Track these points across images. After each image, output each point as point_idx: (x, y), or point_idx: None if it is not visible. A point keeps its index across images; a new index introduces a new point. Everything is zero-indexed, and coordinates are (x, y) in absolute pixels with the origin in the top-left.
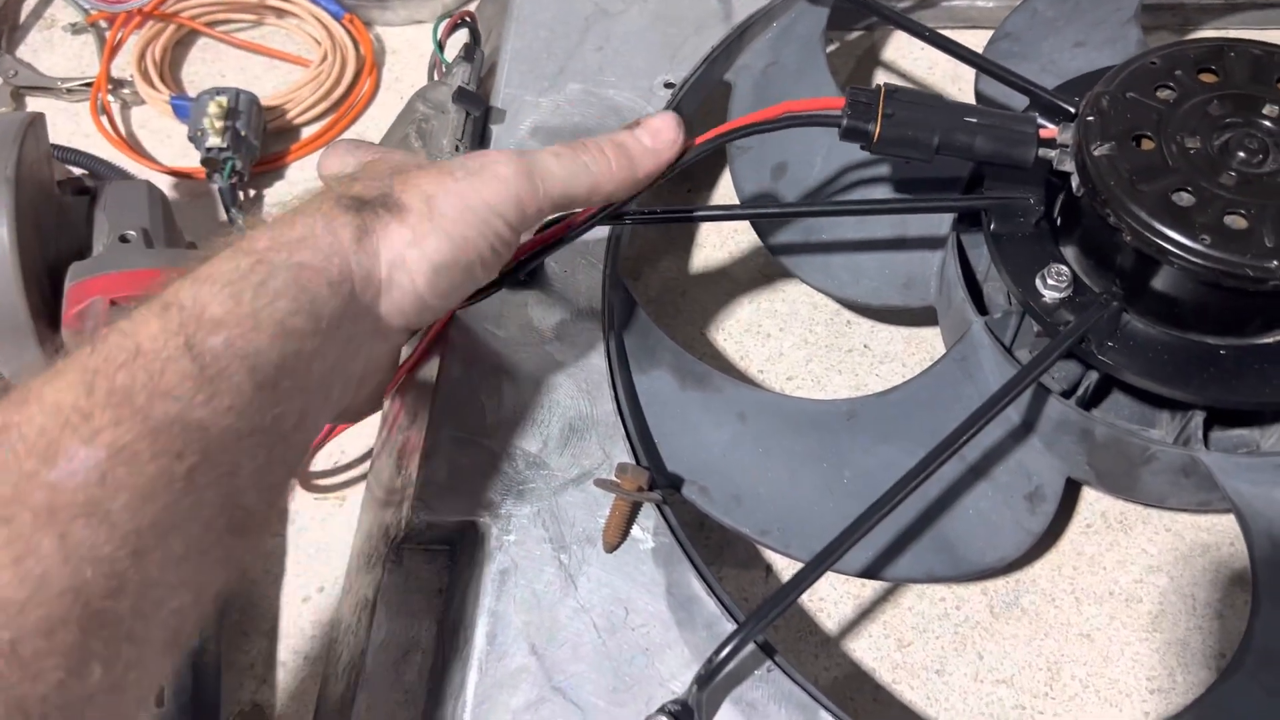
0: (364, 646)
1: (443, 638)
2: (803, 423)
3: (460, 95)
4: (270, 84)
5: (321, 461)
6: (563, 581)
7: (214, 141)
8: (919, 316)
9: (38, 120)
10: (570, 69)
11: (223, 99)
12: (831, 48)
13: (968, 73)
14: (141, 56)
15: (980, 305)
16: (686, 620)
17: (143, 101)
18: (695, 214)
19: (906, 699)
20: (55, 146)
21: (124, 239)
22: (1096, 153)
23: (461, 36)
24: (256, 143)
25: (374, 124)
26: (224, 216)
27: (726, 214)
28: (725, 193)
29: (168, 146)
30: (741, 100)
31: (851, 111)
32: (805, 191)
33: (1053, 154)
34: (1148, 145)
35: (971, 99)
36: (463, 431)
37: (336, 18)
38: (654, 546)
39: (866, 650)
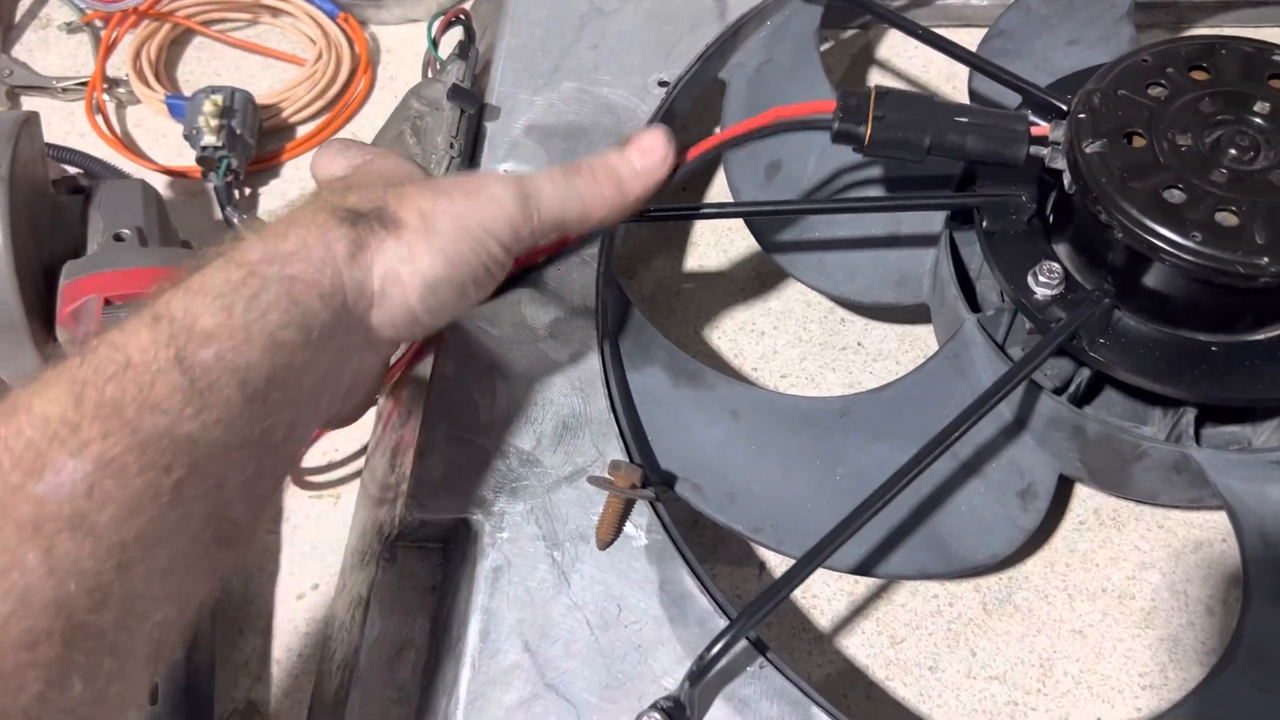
0: (358, 644)
1: (436, 635)
2: (796, 420)
3: (455, 92)
4: (265, 83)
5: (316, 459)
6: (556, 579)
7: (209, 140)
8: (912, 314)
9: (32, 119)
10: (565, 67)
11: (218, 98)
12: (826, 46)
13: (962, 71)
14: (137, 55)
15: (973, 303)
16: (679, 617)
17: (138, 100)
18: (699, 211)
19: (899, 696)
20: (50, 145)
21: (118, 238)
22: (1088, 150)
23: (456, 34)
24: (252, 141)
25: (369, 122)
26: (219, 215)
27: (723, 212)
28: (719, 192)
29: (163, 145)
30: (736, 98)
31: (842, 115)
32: (799, 190)
33: (1045, 151)
34: (1139, 142)
35: (966, 97)
36: (457, 429)
37: (331, 16)
38: (647, 544)
39: (859, 647)
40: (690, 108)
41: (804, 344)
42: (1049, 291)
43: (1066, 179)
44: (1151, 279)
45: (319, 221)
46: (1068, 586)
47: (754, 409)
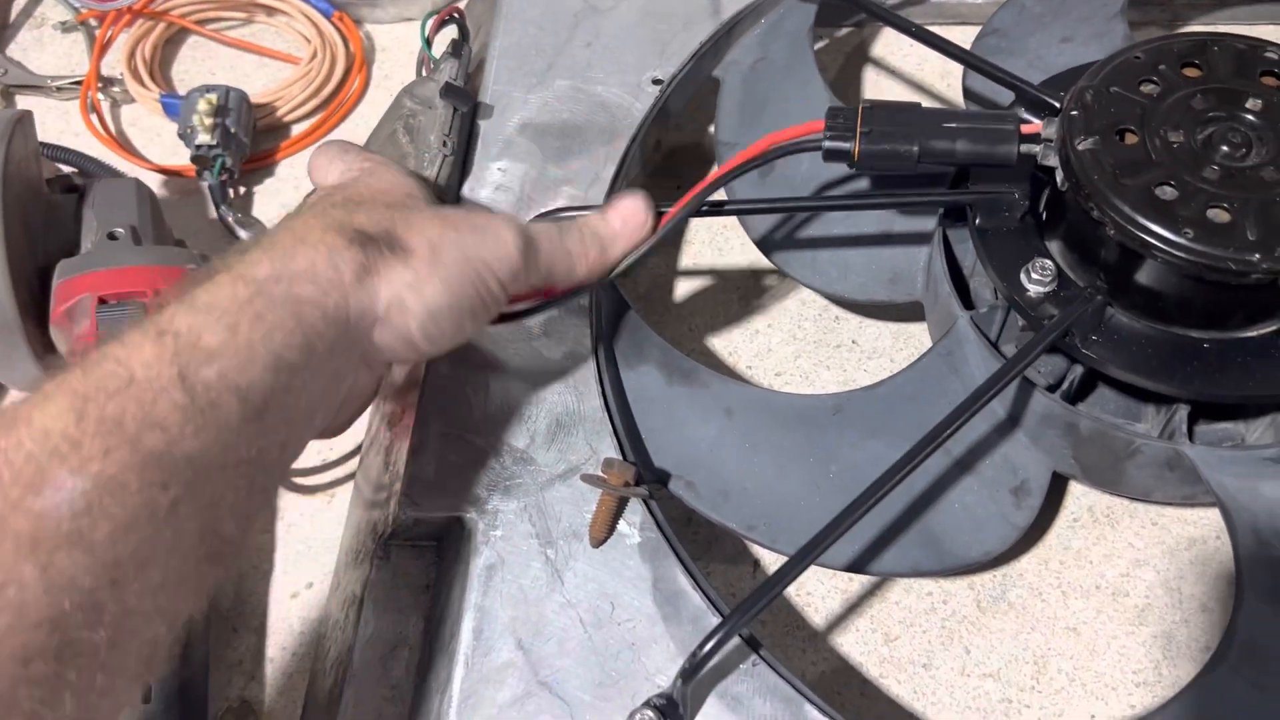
0: (352, 642)
1: (430, 633)
2: (789, 418)
3: (448, 91)
4: (260, 82)
5: (310, 459)
6: (549, 577)
7: (204, 139)
8: (906, 312)
9: (25, 118)
10: (559, 65)
11: (212, 96)
12: (821, 44)
13: (957, 68)
14: (131, 54)
15: (966, 300)
16: (672, 615)
17: (133, 99)
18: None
19: (893, 693)
20: (44, 144)
21: (112, 236)
22: (1080, 147)
23: (450, 33)
24: (246, 140)
25: (364, 121)
26: (214, 214)
27: (717, 210)
28: None
29: (158, 144)
30: (730, 96)
31: (831, 133)
32: (793, 189)
33: (1037, 149)
34: (1131, 139)
35: (960, 94)
36: (450, 427)
37: (326, 15)
38: (640, 541)
39: (854, 644)
40: (684, 106)
41: (798, 342)
42: (1042, 289)
43: (1059, 176)
44: (1144, 276)
45: (328, 241)
46: (1062, 584)
47: (748, 407)
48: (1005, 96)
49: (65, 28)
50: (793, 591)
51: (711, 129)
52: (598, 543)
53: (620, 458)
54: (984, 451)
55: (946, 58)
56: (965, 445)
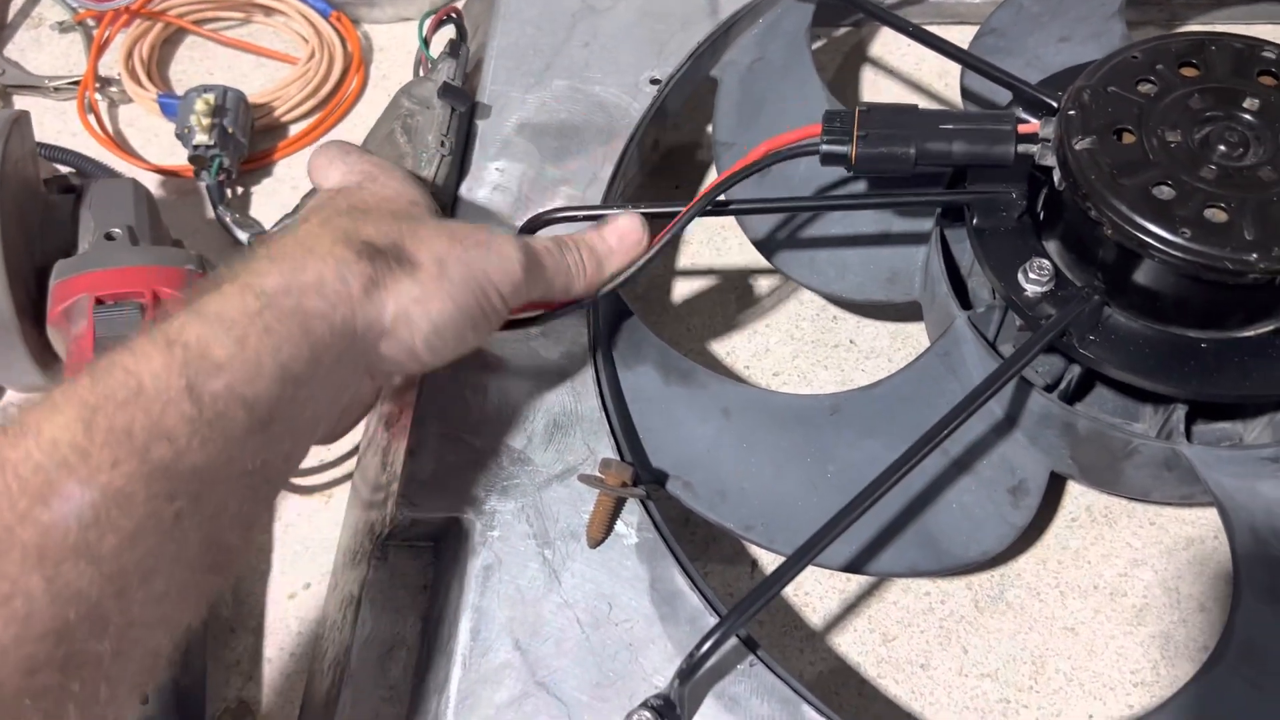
0: (349, 643)
1: (427, 633)
2: (787, 418)
3: (445, 91)
4: (258, 81)
5: (307, 460)
6: (546, 577)
7: (201, 139)
8: (904, 311)
9: (22, 118)
10: (557, 65)
11: (210, 96)
12: (818, 44)
13: (955, 68)
14: (129, 54)
15: (964, 300)
16: (670, 615)
17: (130, 99)
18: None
19: (891, 693)
20: (41, 145)
21: (109, 236)
22: (1078, 147)
23: (448, 33)
24: (244, 140)
25: (361, 121)
26: (211, 214)
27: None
28: None
29: (155, 144)
30: (728, 96)
31: (828, 137)
32: (791, 189)
33: (1035, 149)
34: (1129, 139)
35: (958, 93)
36: (448, 428)
37: (324, 15)
38: (638, 542)
39: (851, 645)
40: (682, 106)
41: (796, 342)
42: (1039, 288)
43: (1056, 176)
44: (1141, 275)
45: (336, 254)
46: (1059, 584)
47: (745, 407)
48: (1003, 96)
49: (63, 28)
50: (790, 591)
51: (709, 129)
52: (595, 543)
53: (618, 458)
54: (982, 451)
55: (944, 57)
56: (963, 445)
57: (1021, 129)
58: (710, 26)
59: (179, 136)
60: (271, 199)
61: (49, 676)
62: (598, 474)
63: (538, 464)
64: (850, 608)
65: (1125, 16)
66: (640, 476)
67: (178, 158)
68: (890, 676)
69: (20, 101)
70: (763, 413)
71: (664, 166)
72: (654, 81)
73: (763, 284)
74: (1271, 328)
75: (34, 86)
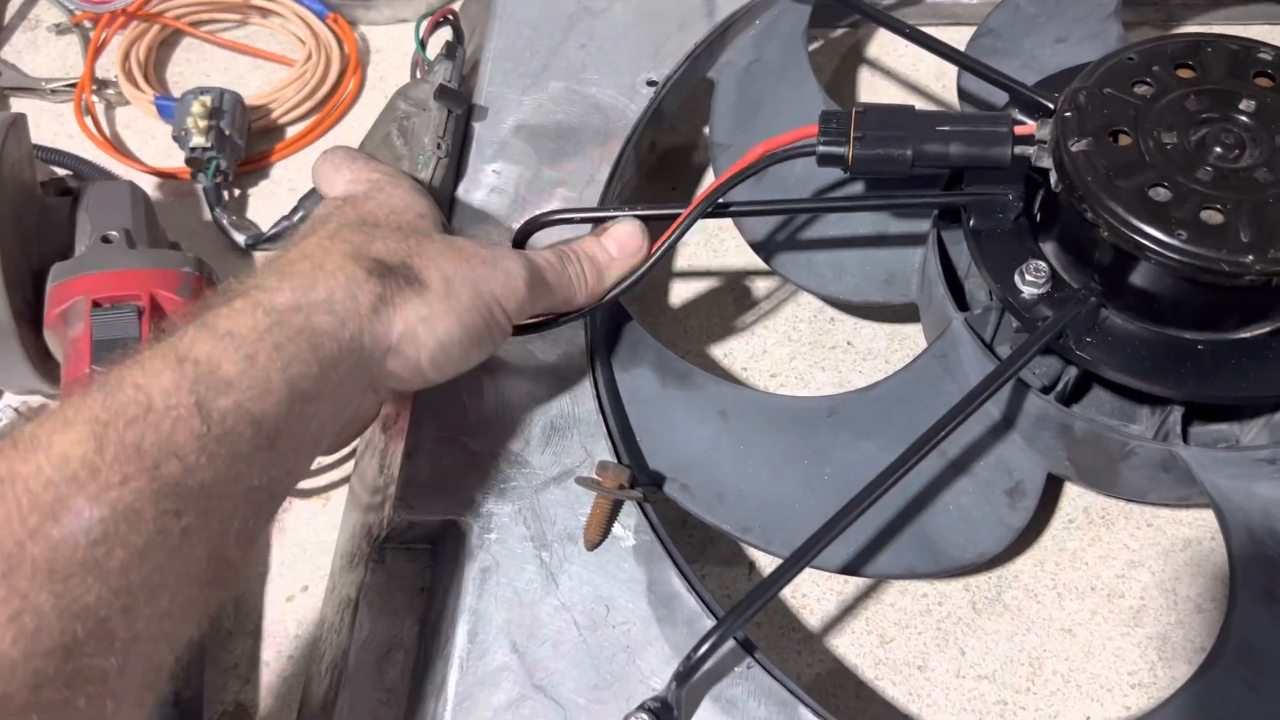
0: (347, 645)
1: (425, 636)
2: (784, 420)
3: (442, 93)
4: (255, 83)
5: None
6: (544, 579)
7: (198, 141)
8: (901, 313)
9: (19, 121)
10: (553, 67)
11: (207, 99)
12: (815, 45)
13: (952, 69)
14: (126, 57)
15: (961, 301)
16: (667, 617)
17: (127, 102)
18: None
19: (889, 695)
20: (38, 147)
21: (106, 239)
22: (1074, 148)
23: (445, 35)
24: (241, 142)
25: (358, 123)
26: (208, 216)
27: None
28: None
29: (152, 147)
30: (725, 98)
31: (825, 139)
32: (788, 191)
33: (1031, 150)
34: (1125, 141)
35: (955, 95)
36: (445, 430)
37: (321, 17)
38: (635, 544)
39: (849, 647)
40: (678, 107)
41: (793, 343)
42: (1036, 290)
43: (1053, 178)
44: (1138, 277)
45: (347, 270)
46: (1057, 585)
47: (742, 409)
48: (1000, 97)
49: (60, 30)
50: (787, 593)
51: (706, 130)
52: (592, 545)
53: (615, 460)
54: (979, 453)
55: (941, 59)
56: (960, 447)
57: (1018, 130)
58: (707, 28)
59: (176, 139)
60: (269, 201)
61: (56, 692)
62: (595, 476)
63: (535, 466)
64: (848, 610)
65: (1121, 17)
66: (637, 479)
67: (175, 160)
68: (888, 678)
69: (17, 104)
70: (760, 414)
71: (661, 168)
72: (651, 83)
73: (760, 286)
74: (1268, 329)
75: (31, 89)
